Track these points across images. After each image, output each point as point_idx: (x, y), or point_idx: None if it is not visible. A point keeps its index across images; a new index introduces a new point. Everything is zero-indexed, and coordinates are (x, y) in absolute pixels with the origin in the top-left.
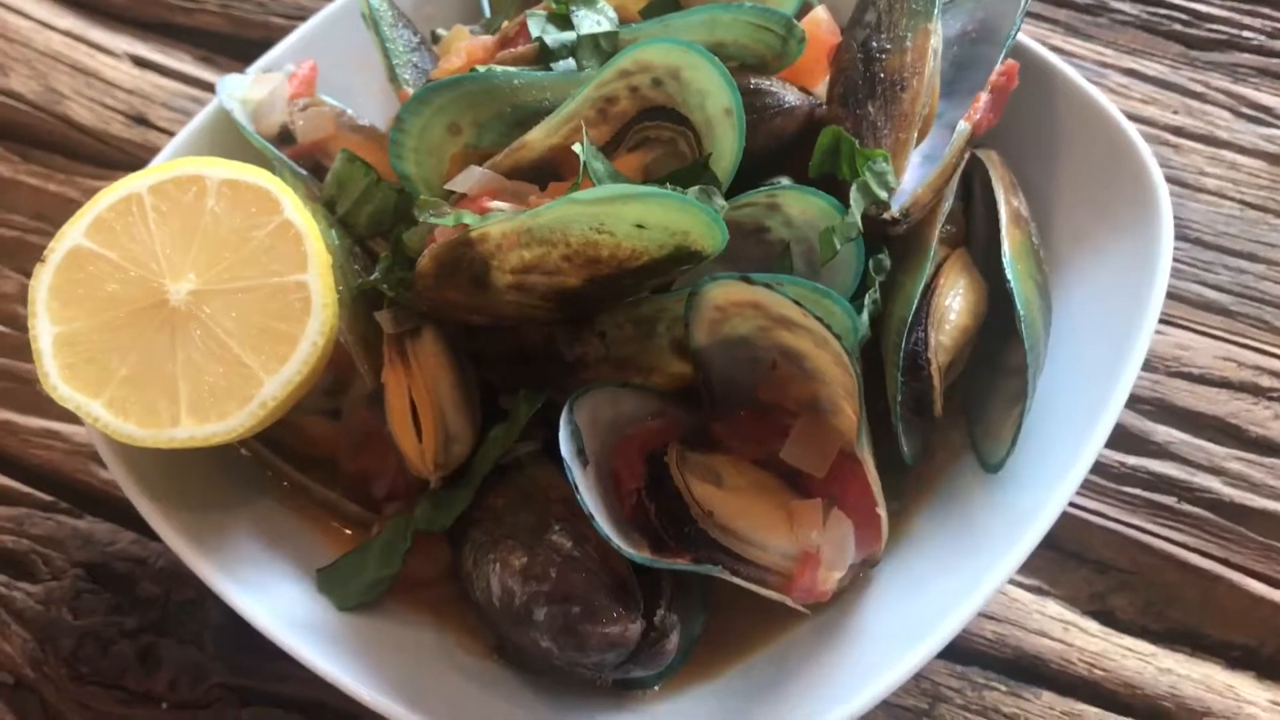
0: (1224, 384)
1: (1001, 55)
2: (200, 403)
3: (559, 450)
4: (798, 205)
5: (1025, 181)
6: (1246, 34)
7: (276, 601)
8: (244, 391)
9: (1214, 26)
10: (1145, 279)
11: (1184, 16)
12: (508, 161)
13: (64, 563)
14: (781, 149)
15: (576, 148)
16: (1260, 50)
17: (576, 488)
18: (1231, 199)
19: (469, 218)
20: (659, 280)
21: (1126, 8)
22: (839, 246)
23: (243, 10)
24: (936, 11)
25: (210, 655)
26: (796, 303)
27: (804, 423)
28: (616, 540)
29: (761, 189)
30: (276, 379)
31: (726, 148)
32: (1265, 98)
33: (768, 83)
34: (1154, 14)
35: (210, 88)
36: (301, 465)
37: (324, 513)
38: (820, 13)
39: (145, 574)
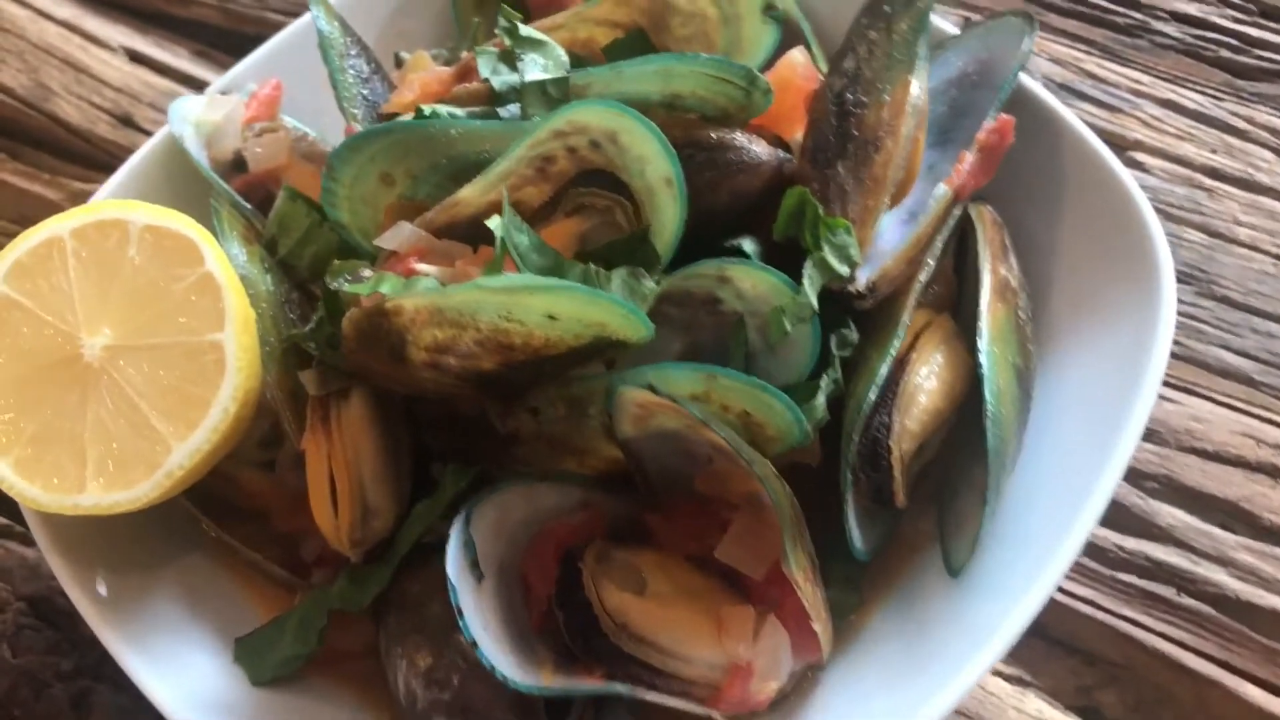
0: (1239, 463)
1: (992, 111)
2: (106, 468)
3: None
4: (748, 280)
5: (1025, 236)
6: None
7: (187, 674)
8: (151, 459)
9: (1264, 54)
10: (1136, 370)
11: (1233, 42)
12: (442, 218)
13: (8, 595)
14: (746, 207)
15: (492, 223)
16: None
17: (460, 612)
18: (1266, 252)
19: (388, 284)
20: (590, 364)
21: (1169, 30)
22: (789, 328)
23: (239, 4)
24: (919, 62)
25: (143, 704)
26: (703, 423)
27: (742, 519)
28: (504, 671)
29: (710, 262)
30: (185, 447)
31: (667, 220)
32: None
33: (731, 136)
34: (1199, 38)
35: (200, 86)
36: (236, 517)
37: (256, 574)
38: (797, 55)
39: None
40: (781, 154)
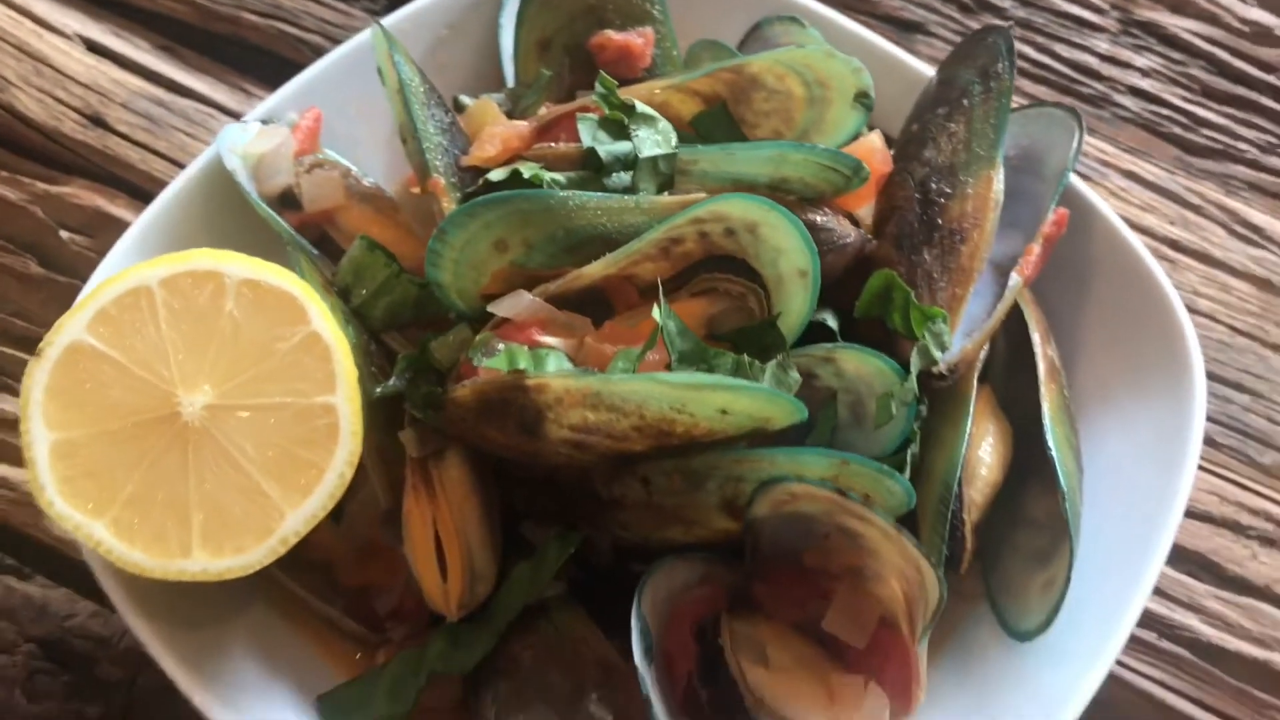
0: (1206, 518)
1: (1053, 203)
2: (215, 533)
3: (589, 592)
4: (853, 362)
5: (1051, 317)
6: (1241, 145)
7: None
8: (263, 524)
9: (1210, 134)
10: (1175, 456)
11: (1183, 120)
12: (556, 288)
13: (16, 635)
14: (829, 283)
15: (656, 314)
16: (1253, 164)
17: (649, 700)
18: (1222, 323)
19: (523, 359)
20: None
21: (1129, 103)
22: (895, 412)
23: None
24: (999, 157)
25: None
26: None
27: (846, 591)
28: None
29: (821, 346)
30: (299, 513)
31: (796, 309)
32: (1256, 215)
33: (824, 217)
34: (1155, 113)
35: (173, 87)
36: (297, 566)
37: (323, 626)
38: (875, 140)
39: (107, 654)
40: (864, 234)
